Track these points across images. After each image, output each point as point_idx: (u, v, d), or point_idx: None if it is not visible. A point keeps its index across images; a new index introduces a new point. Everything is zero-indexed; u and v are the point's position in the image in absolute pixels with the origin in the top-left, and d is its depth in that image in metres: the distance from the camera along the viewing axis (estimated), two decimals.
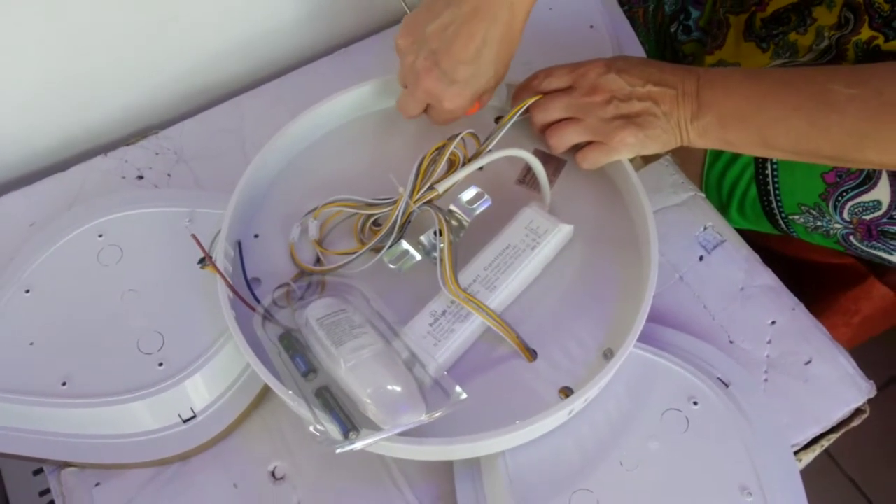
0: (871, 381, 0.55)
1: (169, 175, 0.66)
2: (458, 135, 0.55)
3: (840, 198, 0.63)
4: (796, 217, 0.67)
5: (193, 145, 0.68)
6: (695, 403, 0.51)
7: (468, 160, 0.57)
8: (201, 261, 0.57)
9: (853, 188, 0.62)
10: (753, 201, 0.68)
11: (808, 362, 0.56)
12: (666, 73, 0.55)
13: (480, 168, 0.57)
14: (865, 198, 0.62)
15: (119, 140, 0.70)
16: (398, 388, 0.48)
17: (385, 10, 0.75)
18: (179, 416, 0.54)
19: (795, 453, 0.54)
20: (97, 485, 0.54)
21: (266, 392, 0.57)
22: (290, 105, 0.63)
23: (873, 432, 1.08)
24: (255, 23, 0.70)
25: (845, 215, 0.63)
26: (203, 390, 0.54)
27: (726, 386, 0.53)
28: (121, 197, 0.61)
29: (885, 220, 0.62)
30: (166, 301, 0.56)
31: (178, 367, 0.53)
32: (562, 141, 0.58)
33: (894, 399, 1.13)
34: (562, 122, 0.57)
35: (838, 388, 0.55)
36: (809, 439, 0.54)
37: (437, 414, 0.47)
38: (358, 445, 0.45)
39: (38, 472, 0.72)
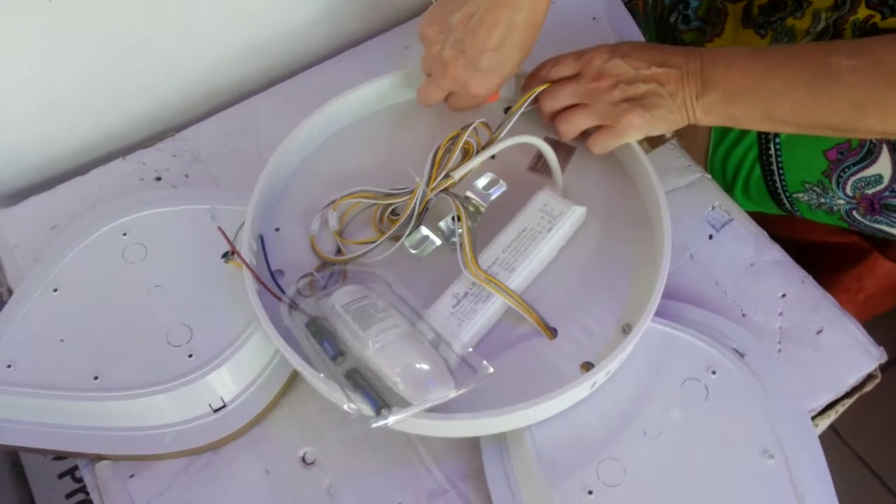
0: (881, 347, 0.57)
1: (186, 176, 0.68)
2: (470, 125, 0.57)
3: (843, 173, 0.64)
4: (800, 195, 0.68)
5: (209, 146, 0.69)
6: (713, 373, 0.53)
7: (482, 148, 0.58)
8: (225, 255, 0.59)
9: (855, 164, 0.64)
10: (758, 181, 0.70)
11: (820, 332, 0.58)
12: (669, 54, 0.57)
13: (493, 157, 0.59)
14: (867, 172, 0.64)
15: (136, 143, 0.71)
16: (426, 366, 0.49)
17: (391, 10, 0.77)
18: (210, 405, 0.56)
19: (811, 419, 0.56)
20: (131, 476, 0.55)
21: (293, 380, 0.58)
22: (302, 105, 0.64)
23: (881, 409, 1.10)
24: (267, 26, 0.72)
25: (848, 191, 0.65)
26: (232, 380, 0.56)
27: (742, 356, 0.54)
28: (142, 197, 0.63)
29: (887, 193, 0.64)
30: (192, 295, 0.58)
31: (208, 358, 0.55)
32: (571, 127, 0.59)
33: None
34: (570, 108, 0.59)
35: (849, 355, 0.57)
36: (824, 405, 0.56)
37: (466, 388, 0.48)
38: (391, 420, 0.46)
39: (64, 475, 0.73)
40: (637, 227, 0.58)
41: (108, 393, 0.54)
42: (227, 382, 0.55)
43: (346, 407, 0.47)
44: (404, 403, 0.48)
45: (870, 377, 0.57)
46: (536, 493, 0.51)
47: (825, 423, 0.56)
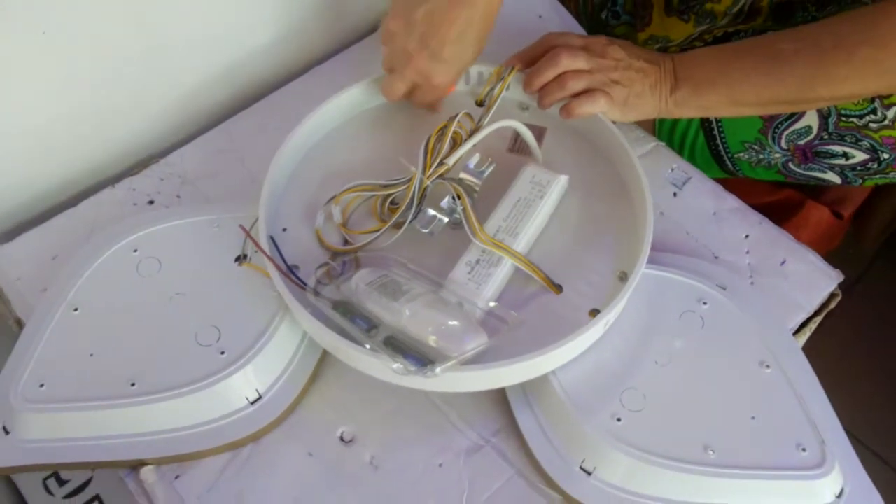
0: (837, 269, 0.65)
1: (178, 196, 0.70)
2: (456, 115, 0.62)
3: (776, 129, 0.73)
4: (741, 154, 0.77)
5: (195, 167, 0.72)
6: (704, 304, 0.59)
7: (469, 135, 0.64)
8: (238, 258, 0.62)
9: (786, 119, 0.73)
10: (702, 147, 0.78)
11: (783, 263, 0.66)
12: (652, 53, 0.67)
13: (474, 144, 0.64)
14: (797, 125, 0.73)
15: (123, 172, 0.73)
16: (457, 323, 0.53)
17: (349, 30, 0.82)
18: (247, 398, 0.58)
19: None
20: (177, 477, 0.56)
21: (320, 367, 0.61)
22: (279, 120, 0.68)
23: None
24: (232, 51, 0.75)
25: (783, 143, 0.74)
26: (265, 371, 0.58)
27: (724, 289, 0.61)
28: (147, 215, 0.65)
29: (816, 141, 0.73)
30: (214, 298, 0.60)
31: (239, 353, 0.57)
32: (568, 88, 0.65)
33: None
34: (567, 73, 0.66)
35: (813, 279, 0.65)
36: (799, 324, 0.63)
37: (499, 336, 0.53)
38: (438, 370, 0.50)
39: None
40: (613, 190, 0.64)
41: (148, 396, 0.55)
42: (260, 374, 0.58)
43: (393, 367, 0.51)
44: (443, 358, 0.52)
45: (832, 296, 0.64)
46: (569, 431, 0.55)
47: (802, 339, 0.63)
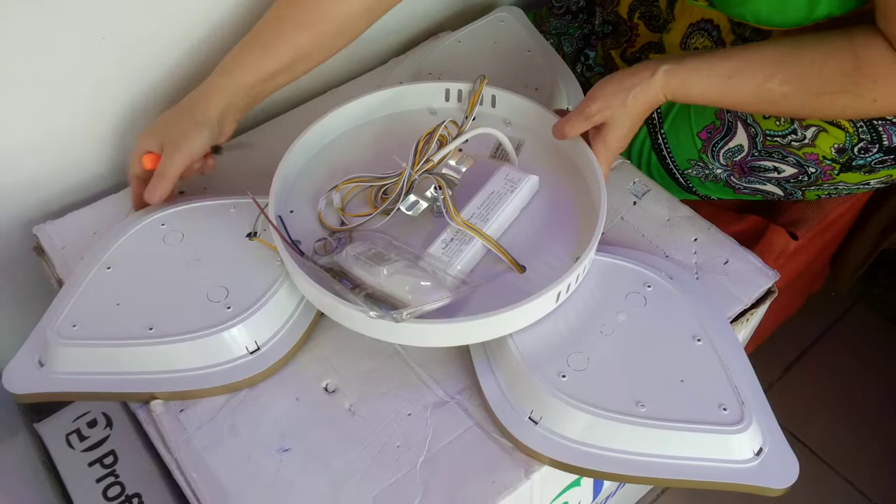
0: (775, 270, 0.73)
1: (205, 188, 0.81)
2: (443, 122, 0.72)
3: (714, 148, 0.83)
4: (689, 171, 0.87)
5: (221, 167, 0.83)
6: (648, 287, 0.68)
7: (453, 139, 0.74)
8: (249, 235, 0.72)
9: (720, 139, 0.83)
10: (657, 166, 0.88)
11: (726, 262, 0.74)
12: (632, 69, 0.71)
13: (460, 149, 0.74)
14: (731, 144, 0.82)
15: None
16: (428, 283, 0.62)
17: (362, 60, 0.95)
18: (247, 348, 0.67)
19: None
20: (181, 411, 0.65)
21: (313, 329, 0.70)
22: (296, 131, 0.79)
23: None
24: None
25: (722, 160, 0.84)
26: (264, 326, 0.67)
27: (671, 278, 0.69)
28: (177, 200, 0.76)
29: (749, 158, 0.82)
30: (226, 265, 0.70)
31: (243, 308, 0.67)
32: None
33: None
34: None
35: (752, 277, 0.73)
36: (737, 313, 0.71)
37: (460, 294, 0.62)
38: (404, 313, 0.59)
39: (93, 463, 0.81)
40: (578, 192, 0.73)
41: (162, 339, 0.65)
42: (259, 328, 0.67)
43: (371, 314, 0.60)
44: (411, 308, 0.60)
45: (769, 292, 0.72)
46: (521, 385, 0.63)
47: (740, 329, 0.71)
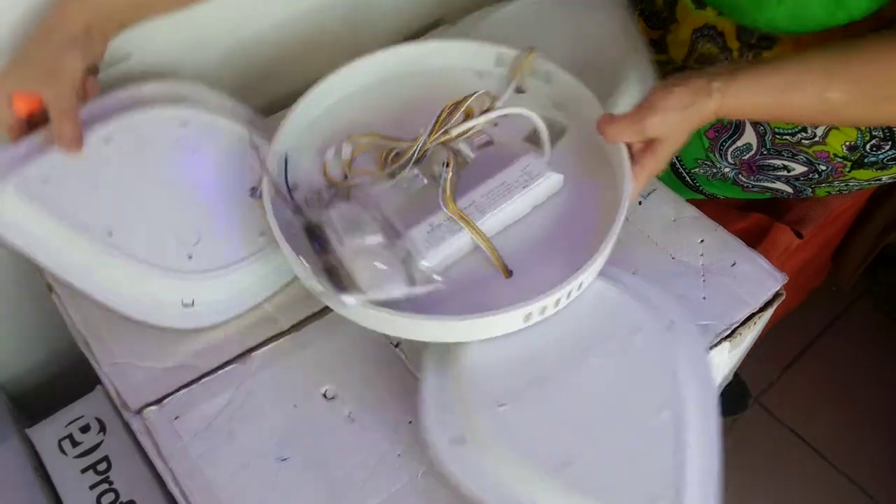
0: (783, 272, 0.71)
1: None
2: (474, 93, 0.66)
3: (721, 147, 0.82)
4: (697, 170, 0.85)
5: None
6: (638, 334, 0.61)
7: (482, 113, 0.67)
8: (251, 191, 0.70)
9: (728, 138, 0.81)
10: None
11: (734, 264, 0.72)
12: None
13: (495, 124, 0.68)
14: (739, 143, 0.81)
15: None
16: (387, 269, 0.59)
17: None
18: (182, 301, 0.67)
19: (736, 329, 0.68)
20: (176, 418, 0.63)
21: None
22: None
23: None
24: None
25: (729, 159, 0.82)
26: (218, 296, 0.68)
27: (672, 323, 0.62)
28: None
29: (758, 156, 0.80)
30: (210, 208, 0.69)
31: (203, 267, 0.66)
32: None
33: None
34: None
35: (759, 279, 0.71)
36: (746, 317, 0.69)
37: (415, 292, 0.58)
38: (345, 299, 0.56)
39: (86, 470, 0.79)
40: (605, 204, 0.65)
41: (113, 249, 0.64)
42: (210, 292, 0.67)
43: (315, 283, 0.58)
44: (360, 292, 0.57)
45: (776, 295, 0.71)
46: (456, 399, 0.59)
47: (748, 331, 0.69)
